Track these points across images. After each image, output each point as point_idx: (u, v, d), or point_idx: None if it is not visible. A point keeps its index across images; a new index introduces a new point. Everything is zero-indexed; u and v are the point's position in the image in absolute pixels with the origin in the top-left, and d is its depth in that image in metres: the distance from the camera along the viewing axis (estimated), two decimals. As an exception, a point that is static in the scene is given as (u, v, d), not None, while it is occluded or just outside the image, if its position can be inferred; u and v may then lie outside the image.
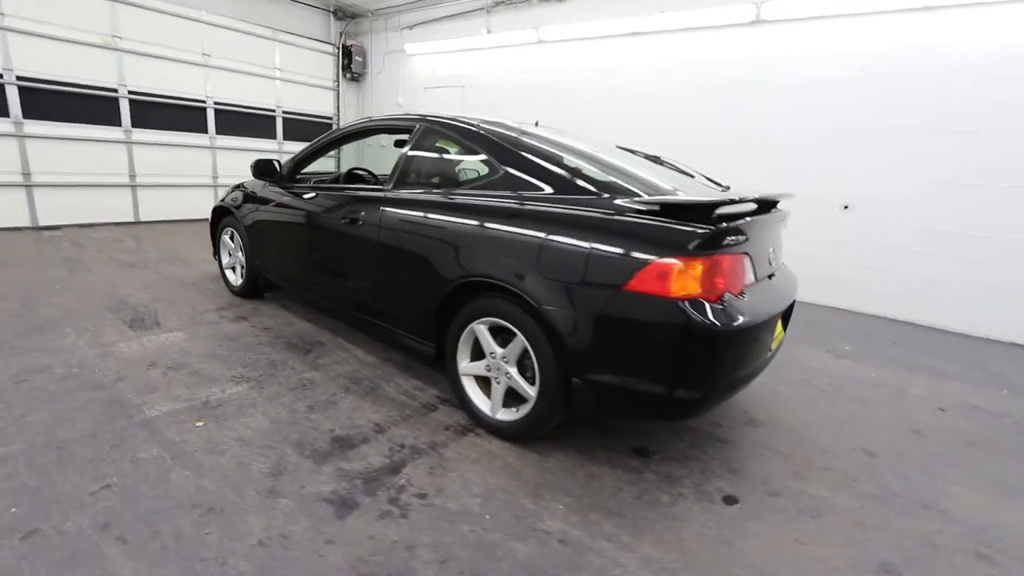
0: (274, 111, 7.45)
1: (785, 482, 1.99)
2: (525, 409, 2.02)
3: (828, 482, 2.01)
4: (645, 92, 5.80)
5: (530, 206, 1.95)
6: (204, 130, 6.69)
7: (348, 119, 8.78)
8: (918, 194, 4.30)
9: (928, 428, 2.54)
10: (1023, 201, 3.90)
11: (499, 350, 2.05)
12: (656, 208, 1.73)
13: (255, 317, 3.35)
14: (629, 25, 5.78)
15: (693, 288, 1.62)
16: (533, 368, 1.96)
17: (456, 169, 2.47)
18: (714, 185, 2.59)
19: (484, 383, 2.21)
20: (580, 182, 1.96)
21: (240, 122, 7.04)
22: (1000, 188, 3.99)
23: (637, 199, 1.79)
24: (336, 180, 3.29)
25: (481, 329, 2.09)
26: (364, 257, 2.54)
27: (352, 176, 3.31)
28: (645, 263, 1.64)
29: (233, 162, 7.10)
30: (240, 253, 3.64)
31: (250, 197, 3.42)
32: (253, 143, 7.28)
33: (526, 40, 6.60)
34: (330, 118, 8.38)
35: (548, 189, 2.01)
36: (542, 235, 1.86)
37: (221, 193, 7.19)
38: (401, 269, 2.37)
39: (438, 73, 7.78)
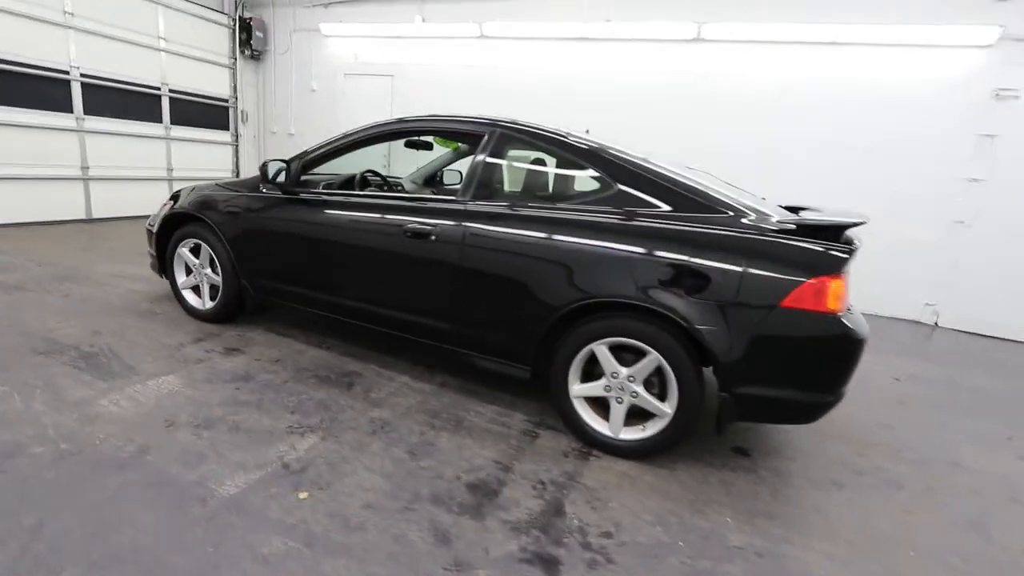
0: (159, 89, 6.14)
1: (858, 461, 2.30)
2: (656, 427, 2.02)
3: (884, 455, 2.37)
4: (590, 98, 6.01)
5: (673, 227, 1.93)
6: (68, 108, 5.25)
7: (247, 101, 7.61)
8: (827, 199, 5.18)
9: (904, 397, 3.12)
10: (900, 206, 4.96)
11: (623, 370, 2.02)
12: (792, 228, 1.86)
13: (251, 347, 2.79)
14: (576, 30, 5.92)
15: (838, 304, 1.78)
16: (664, 385, 1.99)
17: (554, 183, 2.33)
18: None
19: (594, 403, 2.16)
20: (699, 200, 2.00)
21: (117, 100, 5.66)
22: (883, 195, 5.00)
23: (775, 220, 1.89)
24: (346, 185, 2.87)
25: (603, 350, 2.03)
26: (437, 277, 2.28)
27: (365, 180, 2.94)
28: (801, 282, 1.76)
29: (109, 150, 5.70)
30: (209, 270, 2.98)
31: (236, 202, 2.81)
32: (133, 126, 5.92)
33: (467, 34, 6.37)
34: (226, 100, 7.18)
35: (665, 207, 2.02)
36: (686, 257, 1.87)
37: (97, 188, 5.75)
38: (496, 290, 2.18)
39: (361, 59, 7.14)
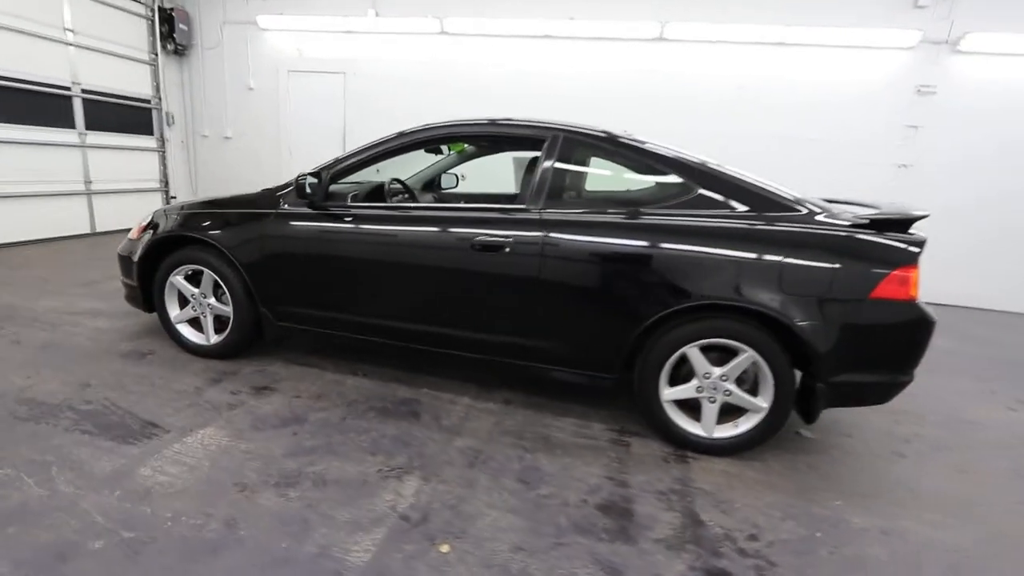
0: (69, 88, 5.22)
1: (900, 430, 2.52)
2: (750, 422, 2.07)
3: (917, 422, 2.61)
4: (556, 96, 6.00)
5: (763, 227, 1.97)
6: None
7: (172, 101, 6.74)
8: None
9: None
10: (846, 190, 5.50)
11: (716, 369, 2.04)
12: (865, 223, 1.98)
13: (281, 384, 2.47)
14: (540, 27, 5.89)
15: (916, 291, 1.93)
16: (755, 381, 2.04)
17: (630, 188, 2.28)
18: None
19: (681, 404, 2.17)
20: (775, 200, 2.07)
21: (17, 102, 4.74)
22: (829, 181, 5.51)
23: (853, 216, 1.99)
24: (374, 195, 2.64)
25: (695, 351, 2.04)
26: (513, 291, 2.15)
27: (393, 190, 2.72)
28: (887, 273, 1.88)
29: (11, 162, 4.77)
30: (213, 299, 2.60)
31: (252, 221, 2.46)
32: (40, 133, 4.99)
33: (426, 29, 6.12)
34: (148, 100, 6.30)
35: (743, 208, 2.06)
36: (781, 256, 1.92)
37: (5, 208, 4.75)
38: (580, 301, 2.11)
39: (306, 55, 6.60)
